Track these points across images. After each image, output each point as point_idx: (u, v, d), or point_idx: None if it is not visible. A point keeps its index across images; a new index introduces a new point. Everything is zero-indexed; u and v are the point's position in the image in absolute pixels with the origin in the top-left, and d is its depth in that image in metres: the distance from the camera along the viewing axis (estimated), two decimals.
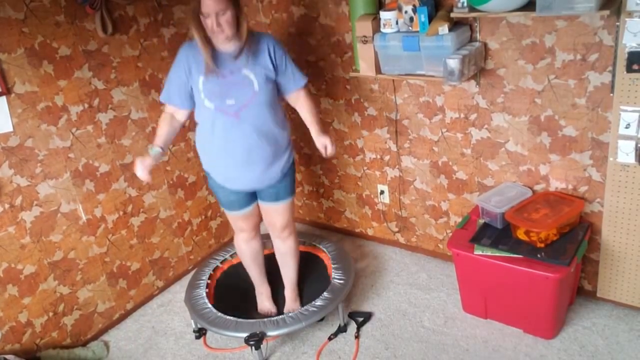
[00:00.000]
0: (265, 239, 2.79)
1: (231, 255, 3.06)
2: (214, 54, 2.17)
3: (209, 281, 2.86)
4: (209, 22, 2.07)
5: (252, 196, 2.48)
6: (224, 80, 2.18)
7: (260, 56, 2.21)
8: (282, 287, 2.77)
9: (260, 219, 2.63)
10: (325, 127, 3.18)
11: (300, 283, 2.80)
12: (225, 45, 2.17)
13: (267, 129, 2.27)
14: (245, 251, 2.66)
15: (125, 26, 2.69)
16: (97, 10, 2.51)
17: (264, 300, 2.78)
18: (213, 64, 2.14)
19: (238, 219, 2.55)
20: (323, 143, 2.36)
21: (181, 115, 2.34)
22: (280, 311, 2.74)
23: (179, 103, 2.30)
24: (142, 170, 2.21)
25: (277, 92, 2.33)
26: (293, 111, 2.46)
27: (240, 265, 2.87)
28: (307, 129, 2.41)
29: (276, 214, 2.52)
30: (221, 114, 2.21)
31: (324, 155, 2.38)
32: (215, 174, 2.40)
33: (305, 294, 2.80)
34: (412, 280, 2.98)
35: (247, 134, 2.23)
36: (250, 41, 2.18)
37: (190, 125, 3.09)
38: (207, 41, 2.13)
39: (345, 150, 3.19)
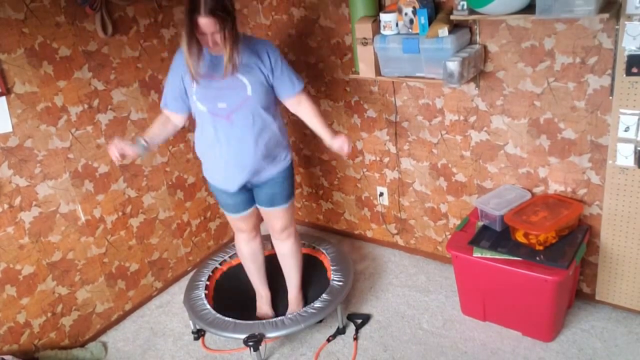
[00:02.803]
0: (266, 240, 2.79)
1: (230, 257, 3.05)
2: (208, 57, 2.15)
3: (207, 282, 2.86)
4: (204, 39, 2.05)
5: (251, 199, 2.48)
6: (217, 84, 2.17)
7: (256, 60, 2.19)
8: (286, 290, 2.76)
9: (261, 220, 2.63)
10: None
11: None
12: (217, 51, 2.15)
13: (259, 133, 2.25)
14: (245, 252, 2.66)
15: (125, 27, 2.69)
16: (97, 11, 2.51)
17: (262, 305, 2.77)
18: (198, 74, 2.12)
19: (237, 221, 2.55)
20: (340, 145, 2.31)
21: (179, 120, 2.34)
22: (279, 315, 2.71)
23: (175, 108, 2.31)
24: (115, 148, 2.15)
25: (275, 97, 2.31)
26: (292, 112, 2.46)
27: (239, 267, 2.87)
28: (307, 130, 2.41)
29: (274, 218, 2.52)
30: (214, 117, 2.22)
31: (344, 156, 2.37)
32: (210, 174, 2.42)
33: (304, 296, 2.79)
34: (410, 282, 2.98)
35: (239, 136, 2.23)
36: (246, 45, 2.17)
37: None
38: (199, 48, 2.09)
39: None
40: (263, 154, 2.29)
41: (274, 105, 2.32)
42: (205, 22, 1.97)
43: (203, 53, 2.12)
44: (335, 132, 2.37)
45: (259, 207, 2.51)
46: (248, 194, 2.46)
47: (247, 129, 2.23)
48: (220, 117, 2.21)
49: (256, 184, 2.40)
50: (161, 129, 2.33)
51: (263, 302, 2.77)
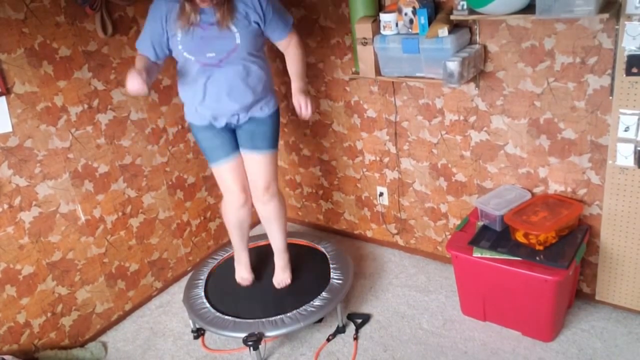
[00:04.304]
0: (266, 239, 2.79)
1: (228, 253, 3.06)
2: (194, 5, 2.14)
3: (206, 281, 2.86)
4: None
5: (235, 142, 2.48)
6: (204, 33, 2.18)
7: (245, 7, 2.19)
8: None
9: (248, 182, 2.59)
10: (325, 128, 3.18)
11: (298, 281, 2.79)
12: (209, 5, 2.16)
13: (248, 75, 2.29)
14: (232, 219, 2.64)
15: (125, 27, 2.69)
16: (97, 11, 2.51)
17: (241, 269, 2.77)
18: (196, 19, 2.13)
19: (225, 172, 2.52)
20: (298, 101, 2.31)
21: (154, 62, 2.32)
22: (257, 279, 2.74)
23: (153, 55, 2.28)
24: (136, 80, 2.05)
25: (263, 40, 2.33)
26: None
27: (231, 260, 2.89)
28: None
29: (257, 168, 2.49)
30: (201, 65, 2.24)
31: (299, 115, 2.32)
32: (196, 114, 2.41)
33: (304, 295, 2.79)
34: (410, 282, 2.98)
35: (229, 78, 2.26)
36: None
37: (189, 126, 3.09)
38: None
39: (344, 152, 3.19)
40: (251, 100, 2.33)
41: (262, 47, 2.36)
42: None
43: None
44: (306, 92, 2.36)
45: (242, 151, 2.50)
46: (232, 134, 2.47)
47: (235, 76, 2.26)
48: (208, 65, 2.24)
49: (241, 123, 2.42)
50: (148, 64, 2.27)
51: (242, 265, 2.78)
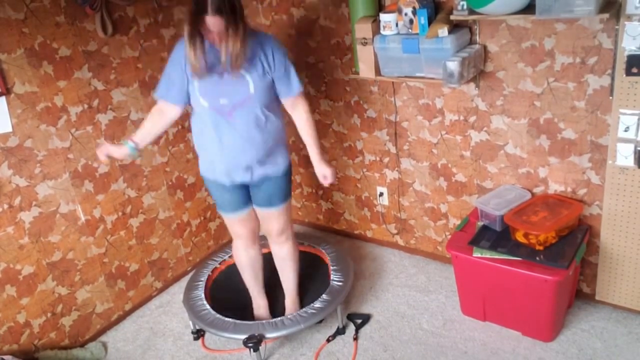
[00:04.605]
0: (264, 239, 2.78)
1: (230, 256, 3.05)
2: (211, 51, 2.11)
3: (207, 282, 2.86)
4: (210, 35, 2.03)
5: (248, 198, 2.47)
6: (219, 79, 2.15)
7: (259, 56, 2.17)
8: (282, 293, 2.75)
9: (259, 226, 2.61)
10: (325, 128, 3.18)
11: (299, 284, 2.79)
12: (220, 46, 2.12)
13: (261, 131, 2.24)
14: (242, 259, 2.63)
15: (125, 27, 2.69)
16: (97, 11, 2.51)
17: (261, 314, 2.73)
18: (200, 68, 2.10)
19: (235, 223, 2.53)
20: (323, 173, 2.38)
21: (174, 112, 2.30)
22: (276, 317, 2.69)
23: (174, 100, 2.26)
24: (102, 151, 2.31)
25: (276, 96, 2.29)
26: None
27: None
28: None
29: (271, 220, 2.50)
30: (215, 113, 2.21)
31: (323, 183, 2.41)
32: (208, 169, 2.39)
33: (304, 296, 2.80)
34: (410, 283, 2.98)
35: (240, 134, 2.22)
36: (250, 41, 2.12)
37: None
38: (202, 41, 2.06)
39: (344, 152, 3.19)
40: (263, 152, 2.29)
41: (276, 103, 2.31)
42: (213, 21, 1.96)
43: (205, 46, 2.08)
44: (326, 161, 2.39)
45: (255, 208, 2.50)
46: (245, 190, 2.45)
47: (248, 126, 2.21)
48: (221, 113, 2.20)
49: (254, 183, 2.39)
50: (153, 125, 2.31)
51: (261, 311, 2.73)
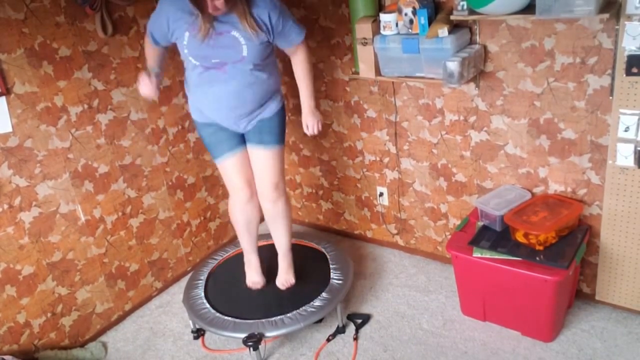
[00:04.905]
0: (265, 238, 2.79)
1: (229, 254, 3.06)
2: (207, 16, 2.12)
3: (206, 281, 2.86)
4: (205, 3, 2.05)
5: (241, 138, 2.48)
6: (212, 41, 2.17)
7: (255, 20, 2.16)
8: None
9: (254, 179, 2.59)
10: (325, 128, 3.18)
11: (299, 281, 2.78)
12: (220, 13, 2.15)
13: (254, 84, 2.29)
14: (239, 217, 2.63)
15: (125, 27, 2.69)
16: (97, 11, 2.51)
17: (252, 273, 2.75)
18: (211, 28, 2.13)
19: (230, 169, 2.52)
20: (306, 123, 2.46)
21: (162, 49, 2.42)
22: (269, 283, 2.73)
23: (160, 44, 2.36)
24: (147, 86, 2.34)
25: (271, 49, 2.32)
26: (292, 113, 2.47)
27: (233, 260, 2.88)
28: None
29: (264, 164, 2.48)
30: (206, 69, 2.25)
31: (305, 132, 2.46)
32: (201, 112, 2.43)
33: (304, 295, 2.79)
34: (410, 283, 2.98)
35: (234, 85, 2.27)
36: (245, 5, 2.12)
37: (189, 126, 3.09)
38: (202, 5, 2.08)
39: (344, 152, 3.19)
40: (257, 103, 2.35)
41: (270, 58, 2.34)
42: None
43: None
44: (315, 112, 2.45)
45: (249, 147, 2.50)
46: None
47: (241, 80, 2.26)
48: (213, 68, 2.24)
49: (247, 129, 2.45)
50: (158, 55, 2.41)
51: (252, 269, 2.75)
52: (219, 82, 2.27)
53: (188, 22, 2.16)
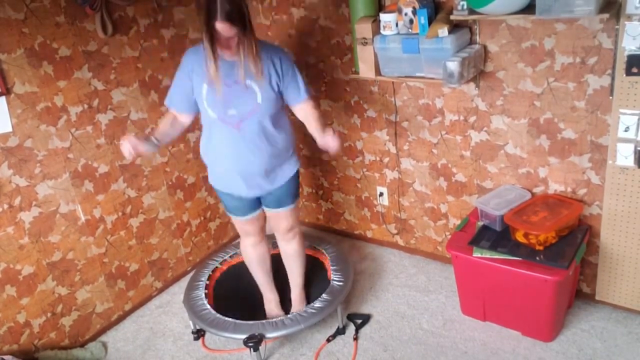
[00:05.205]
0: (272, 238, 2.78)
1: (230, 256, 3.06)
2: (219, 62, 2.12)
3: (207, 282, 2.86)
4: (224, 43, 2.05)
5: (257, 201, 2.49)
6: (228, 90, 2.17)
7: (268, 67, 2.19)
8: (289, 289, 2.76)
9: (266, 222, 2.63)
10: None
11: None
12: (232, 57, 2.14)
13: (268, 139, 2.26)
14: (252, 256, 2.65)
15: (125, 27, 2.69)
16: (97, 11, 2.51)
17: (272, 308, 2.76)
18: (218, 75, 2.11)
19: (244, 224, 2.55)
20: (325, 141, 2.26)
21: (185, 119, 2.33)
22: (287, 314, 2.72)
23: (182, 109, 2.30)
24: (129, 144, 2.11)
25: (284, 104, 2.31)
26: (293, 112, 2.46)
27: (239, 265, 2.86)
28: (305, 130, 2.41)
29: (280, 219, 2.52)
30: (223, 124, 2.22)
31: (330, 152, 2.31)
32: (218, 180, 2.42)
33: (304, 296, 2.80)
34: (410, 283, 2.98)
35: (248, 144, 2.24)
36: (255, 46, 2.13)
37: (189, 126, 3.08)
38: (214, 50, 2.08)
39: (344, 152, 3.19)
40: (271, 162, 2.31)
41: (282, 113, 2.33)
42: (222, 27, 1.98)
43: (219, 58, 2.11)
44: (326, 132, 2.32)
45: (265, 209, 2.52)
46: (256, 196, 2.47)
47: (256, 138, 2.24)
48: (229, 125, 2.21)
49: (265, 195, 2.43)
50: (169, 127, 2.32)
51: (272, 305, 2.76)
52: (235, 139, 2.23)
53: (206, 74, 2.15)
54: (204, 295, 2.74)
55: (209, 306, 2.66)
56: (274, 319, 2.52)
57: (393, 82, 2.77)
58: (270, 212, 2.52)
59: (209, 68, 2.10)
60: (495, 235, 2.48)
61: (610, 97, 2.18)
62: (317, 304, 2.57)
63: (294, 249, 2.64)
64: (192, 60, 2.20)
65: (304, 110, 2.34)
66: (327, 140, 2.25)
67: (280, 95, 2.26)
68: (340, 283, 2.69)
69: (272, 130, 2.26)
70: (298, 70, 2.28)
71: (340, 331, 2.66)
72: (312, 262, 2.98)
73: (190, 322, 2.75)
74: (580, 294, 2.66)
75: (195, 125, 2.63)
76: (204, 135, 2.36)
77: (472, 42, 2.42)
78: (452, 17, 2.24)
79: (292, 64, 2.26)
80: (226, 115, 2.20)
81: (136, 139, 2.15)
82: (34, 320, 2.56)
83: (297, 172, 2.47)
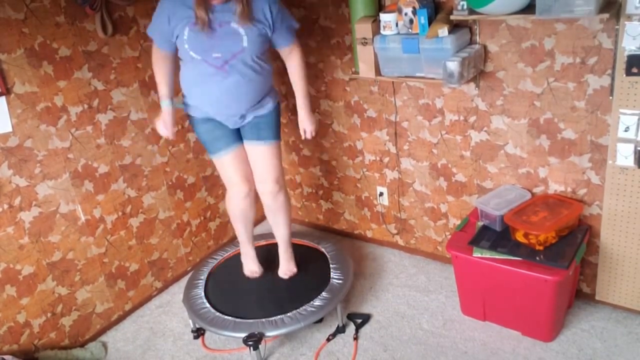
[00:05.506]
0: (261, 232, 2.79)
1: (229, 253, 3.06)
2: (206, 5, 2.14)
3: (207, 281, 2.86)
4: None
5: (237, 134, 2.50)
6: (212, 33, 2.18)
7: (256, 12, 2.20)
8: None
9: (252, 173, 2.60)
10: (325, 128, 3.18)
11: (299, 281, 2.79)
12: (219, 1, 2.17)
13: (252, 80, 2.31)
14: (236, 211, 2.66)
15: (125, 27, 2.69)
16: (97, 11, 2.51)
17: (248, 262, 2.79)
18: (206, 18, 2.13)
19: (227, 165, 2.54)
20: (303, 127, 2.54)
21: (173, 56, 2.38)
22: (266, 272, 2.78)
23: (170, 49, 2.34)
24: (166, 128, 2.44)
25: (268, 45, 2.35)
26: (292, 112, 2.48)
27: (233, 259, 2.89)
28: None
29: (264, 160, 2.52)
30: (206, 64, 2.25)
31: (302, 136, 2.53)
32: (198, 109, 2.44)
33: (304, 294, 2.79)
34: (410, 283, 2.98)
35: (232, 83, 2.28)
36: None
37: (189, 126, 3.09)
38: None
39: (344, 152, 3.19)
40: (255, 101, 2.38)
41: (267, 52, 2.37)
42: None
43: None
44: (311, 116, 2.52)
45: (246, 144, 2.52)
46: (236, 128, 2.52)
47: (239, 77, 2.28)
48: (213, 66, 2.24)
49: (245, 124, 2.48)
50: (168, 70, 2.39)
51: (249, 258, 2.81)
52: (218, 80, 2.28)
53: (188, 17, 2.17)
54: (203, 294, 2.74)
55: (208, 305, 2.66)
56: (269, 318, 2.51)
57: (393, 82, 2.77)
58: (250, 146, 2.51)
59: (198, 12, 2.12)
60: (495, 235, 2.48)
61: (610, 97, 2.18)
62: (316, 302, 2.57)
63: (280, 204, 2.63)
64: (169, 7, 2.21)
65: (291, 58, 2.43)
66: (305, 125, 2.50)
67: (267, 39, 2.30)
68: (340, 281, 2.69)
69: (255, 71, 2.31)
70: (287, 15, 2.32)
71: (340, 330, 2.66)
72: (312, 254, 2.97)
73: (190, 321, 2.75)
74: (580, 294, 2.66)
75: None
76: (184, 71, 2.37)
77: (472, 42, 2.42)
78: (452, 17, 2.24)
79: (280, 9, 2.27)
80: (210, 58, 2.23)
81: (163, 118, 2.43)
82: (34, 320, 2.56)
83: (277, 108, 2.51)
